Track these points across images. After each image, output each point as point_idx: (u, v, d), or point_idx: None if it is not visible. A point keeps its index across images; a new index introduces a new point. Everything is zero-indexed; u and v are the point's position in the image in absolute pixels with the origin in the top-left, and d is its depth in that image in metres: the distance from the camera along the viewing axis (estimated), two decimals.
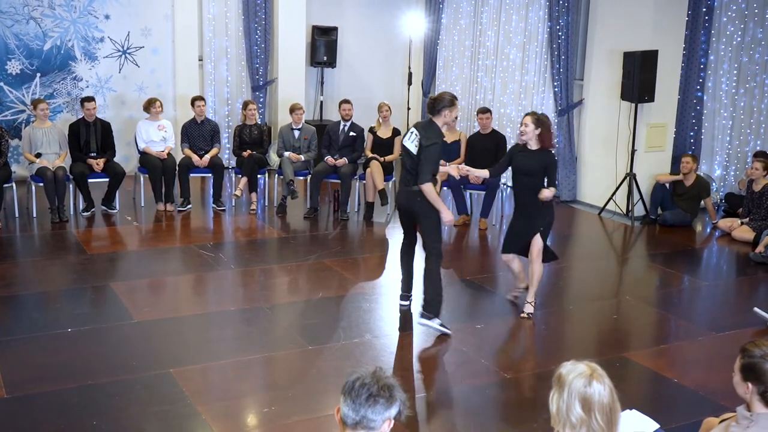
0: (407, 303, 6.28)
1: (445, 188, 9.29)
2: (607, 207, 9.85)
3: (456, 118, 6.02)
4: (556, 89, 10.39)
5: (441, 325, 5.86)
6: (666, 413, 4.63)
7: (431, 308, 5.89)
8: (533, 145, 6.14)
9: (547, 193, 6.06)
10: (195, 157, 9.37)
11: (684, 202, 9.37)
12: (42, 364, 5.13)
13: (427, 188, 5.72)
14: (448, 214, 5.84)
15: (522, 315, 6.30)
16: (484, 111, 9.32)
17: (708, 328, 6.29)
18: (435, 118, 5.83)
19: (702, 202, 9.42)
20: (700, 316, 6.75)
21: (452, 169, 6.60)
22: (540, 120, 6.13)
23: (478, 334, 5.97)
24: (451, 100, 5.80)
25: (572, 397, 2.54)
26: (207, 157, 9.42)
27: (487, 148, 9.13)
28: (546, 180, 6.15)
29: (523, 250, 6.35)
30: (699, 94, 10.18)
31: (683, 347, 5.94)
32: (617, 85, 9.57)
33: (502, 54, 11.52)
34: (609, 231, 9.42)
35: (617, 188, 9.66)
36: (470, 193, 9.44)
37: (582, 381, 2.55)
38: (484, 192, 9.09)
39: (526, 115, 6.20)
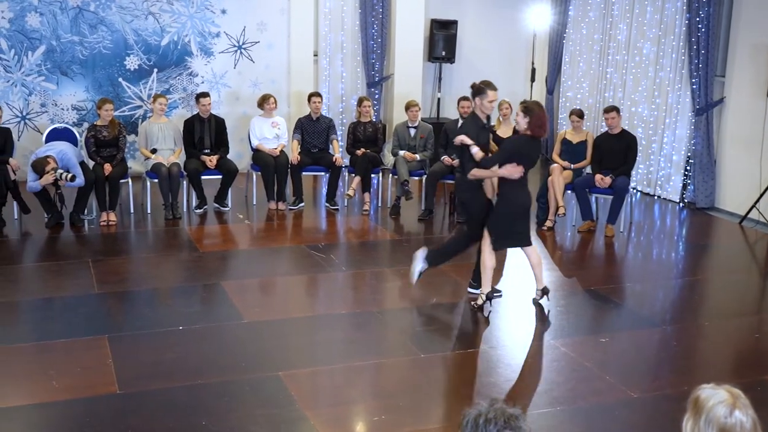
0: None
1: (569, 191, 9.11)
2: (749, 215, 9.43)
3: (491, 103, 6.27)
4: (694, 86, 10.02)
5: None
6: None
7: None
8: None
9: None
10: (294, 155, 9.53)
11: None
12: (153, 362, 5.34)
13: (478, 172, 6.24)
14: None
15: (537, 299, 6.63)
16: (610, 110, 9.05)
17: None
18: (474, 107, 6.38)
19: None
20: None
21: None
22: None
23: (602, 349, 5.83)
24: (480, 87, 6.24)
25: (710, 426, 2.42)
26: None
27: (615, 149, 8.89)
28: None
29: None
30: None
31: None
32: (764, 82, 9.16)
33: (635, 48, 11.20)
34: (751, 242, 9.01)
35: (761, 195, 9.22)
36: (596, 198, 9.22)
37: (723, 410, 2.42)
38: (611, 196, 8.86)
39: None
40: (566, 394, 5.07)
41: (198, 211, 9.28)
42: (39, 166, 8.16)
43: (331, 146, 9.85)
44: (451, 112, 12.04)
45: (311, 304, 6.94)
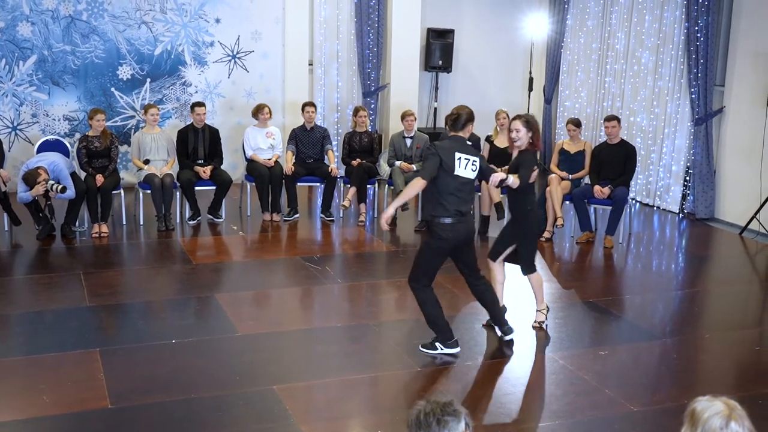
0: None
1: (567, 202, 9.14)
2: (749, 226, 9.46)
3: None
4: (693, 96, 10.07)
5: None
6: None
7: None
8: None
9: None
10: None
11: None
12: (146, 375, 5.34)
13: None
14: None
15: (535, 325, 6.41)
16: (611, 119, 9.10)
17: None
18: (462, 133, 5.77)
19: None
20: None
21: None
22: (530, 122, 6.10)
23: (601, 362, 5.84)
24: (472, 113, 5.83)
25: None
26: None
27: (614, 159, 8.93)
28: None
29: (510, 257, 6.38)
30: None
31: None
32: (763, 91, 9.20)
33: (633, 57, 11.26)
34: (751, 253, 9.03)
35: (762, 205, 9.26)
36: (594, 208, 9.25)
37: (718, 421, 2.45)
38: (610, 207, 8.89)
39: (514, 118, 6.17)
40: (565, 408, 5.08)
41: (191, 222, 9.29)
42: (30, 178, 8.17)
43: (326, 156, 9.88)
44: None
45: (306, 316, 6.95)
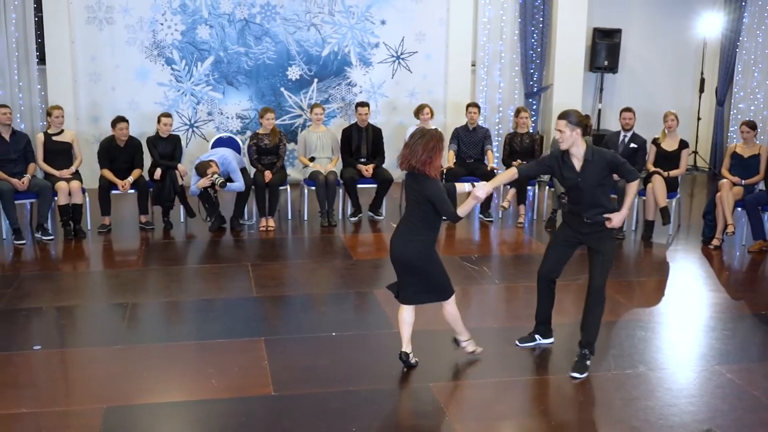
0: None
1: (739, 209, 8.67)
2: None
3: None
4: None
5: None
6: None
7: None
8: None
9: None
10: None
11: None
12: (307, 366, 5.49)
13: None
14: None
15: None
16: None
17: None
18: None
19: None
20: None
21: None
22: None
23: None
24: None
25: None
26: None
27: None
28: None
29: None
30: None
31: None
32: None
33: None
34: None
35: None
36: None
37: None
38: None
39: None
40: (731, 424, 4.81)
41: (353, 219, 9.49)
42: (201, 168, 8.63)
43: (486, 157, 9.82)
44: (612, 123, 11.74)
45: (463, 316, 6.86)
